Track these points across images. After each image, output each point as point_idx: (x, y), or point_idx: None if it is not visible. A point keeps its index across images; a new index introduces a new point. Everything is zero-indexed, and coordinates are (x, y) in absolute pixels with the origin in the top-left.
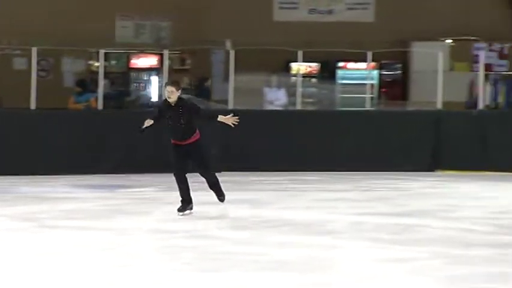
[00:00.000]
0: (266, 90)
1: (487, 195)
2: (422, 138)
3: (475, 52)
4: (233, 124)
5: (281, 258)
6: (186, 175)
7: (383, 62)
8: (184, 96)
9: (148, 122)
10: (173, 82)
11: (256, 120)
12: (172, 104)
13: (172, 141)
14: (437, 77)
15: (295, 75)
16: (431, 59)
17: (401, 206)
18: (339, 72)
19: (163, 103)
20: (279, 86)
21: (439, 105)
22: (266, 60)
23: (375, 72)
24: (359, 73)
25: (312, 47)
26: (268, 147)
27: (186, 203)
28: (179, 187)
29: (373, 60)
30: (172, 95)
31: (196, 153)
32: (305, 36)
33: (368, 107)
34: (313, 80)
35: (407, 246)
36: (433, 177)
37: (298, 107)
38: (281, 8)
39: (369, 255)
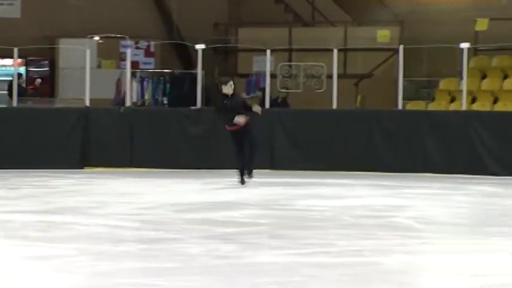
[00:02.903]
0: None
1: (133, 192)
2: (70, 135)
3: (122, 50)
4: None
5: None
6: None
7: (30, 58)
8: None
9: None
10: (231, 79)
11: None
12: (230, 96)
13: (230, 127)
14: (84, 74)
15: None
16: (78, 56)
17: (49, 204)
18: None
19: (222, 97)
20: None
21: (87, 102)
22: None
23: (22, 69)
24: (5, 70)
25: None
26: None
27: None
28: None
29: (19, 57)
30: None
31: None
32: None
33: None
34: None
35: (54, 244)
36: (81, 175)
37: None
38: None
39: (15, 253)
